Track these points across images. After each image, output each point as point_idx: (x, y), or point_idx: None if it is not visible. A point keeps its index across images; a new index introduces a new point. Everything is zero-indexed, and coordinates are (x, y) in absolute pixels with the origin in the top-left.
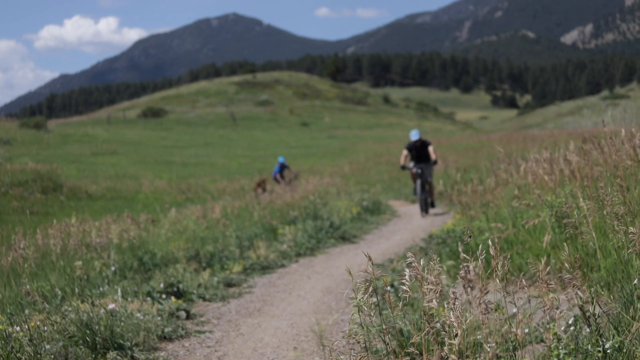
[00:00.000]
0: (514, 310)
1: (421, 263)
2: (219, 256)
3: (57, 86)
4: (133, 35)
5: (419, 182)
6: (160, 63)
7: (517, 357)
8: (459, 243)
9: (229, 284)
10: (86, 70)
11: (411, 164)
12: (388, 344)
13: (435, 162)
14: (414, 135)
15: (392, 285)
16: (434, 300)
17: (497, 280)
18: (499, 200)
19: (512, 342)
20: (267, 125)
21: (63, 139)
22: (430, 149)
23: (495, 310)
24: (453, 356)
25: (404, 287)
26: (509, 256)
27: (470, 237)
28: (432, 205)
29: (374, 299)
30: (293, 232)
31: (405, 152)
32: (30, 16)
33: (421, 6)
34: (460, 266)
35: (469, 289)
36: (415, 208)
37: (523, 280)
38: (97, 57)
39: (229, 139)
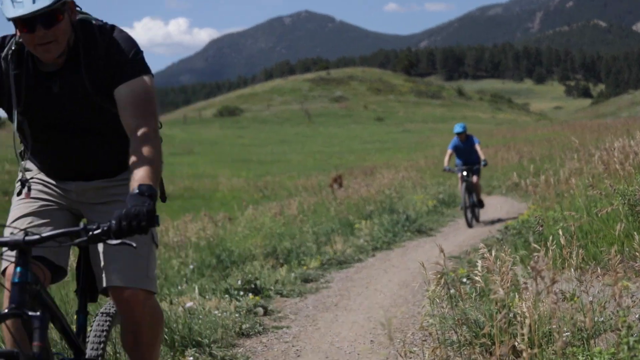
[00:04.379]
0: (590, 299)
1: (493, 254)
2: (296, 252)
3: None
4: (204, 35)
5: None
6: (235, 62)
7: (590, 346)
8: (531, 233)
9: (306, 280)
10: (161, 72)
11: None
12: (461, 335)
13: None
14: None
15: (468, 277)
16: (501, 291)
17: (572, 270)
18: (574, 189)
19: (585, 331)
20: (342, 121)
21: None
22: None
23: (571, 299)
24: (523, 346)
25: (477, 278)
26: (583, 245)
27: (541, 226)
28: (480, 204)
29: (451, 291)
30: (369, 226)
31: (449, 151)
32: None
33: None
34: (531, 256)
35: (538, 278)
36: (492, 200)
37: (598, 268)
38: (169, 59)
39: (304, 135)
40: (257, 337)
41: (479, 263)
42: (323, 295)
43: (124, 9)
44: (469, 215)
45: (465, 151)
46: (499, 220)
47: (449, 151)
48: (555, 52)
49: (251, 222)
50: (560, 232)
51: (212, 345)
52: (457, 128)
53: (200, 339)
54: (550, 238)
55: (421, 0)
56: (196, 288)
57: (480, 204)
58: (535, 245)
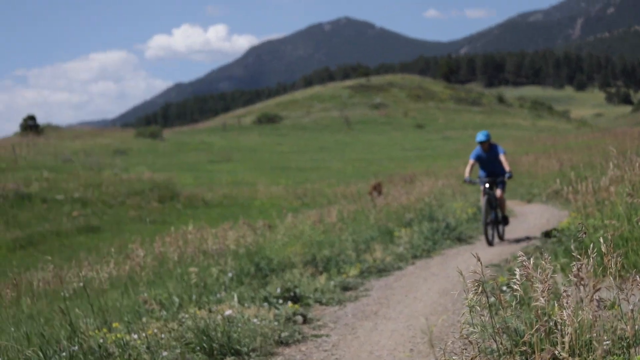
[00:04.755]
0: (631, 307)
1: (532, 262)
2: (336, 260)
3: (172, 95)
4: (243, 42)
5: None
6: (274, 69)
7: (630, 354)
8: (572, 241)
9: (345, 288)
10: (200, 79)
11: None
12: (502, 343)
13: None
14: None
15: (507, 285)
16: (542, 299)
17: (612, 278)
18: (614, 197)
19: (626, 339)
20: (382, 128)
21: (179, 147)
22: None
23: (611, 307)
24: (564, 354)
25: (515, 287)
26: (624, 253)
27: (584, 233)
28: (505, 220)
29: (491, 299)
30: (409, 234)
31: (471, 161)
32: (139, 27)
33: (532, 5)
34: (572, 264)
35: (580, 286)
36: (532, 207)
37: (638, 277)
38: (209, 66)
39: (344, 143)
40: (296, 345)
41: (518, 271)
42: (362, 303)
43: (162, 16)
44: (490, 232)
45: (489, 162)
46: (527, 239)
47: (471, 161)
48: (595, 59)
49: (290, 230)
50: (601, 240)
51: (251, 353)
52: (480, 136)
53: (239, 347)
54: (591, 246)
55: (461, 6)
56: (235, 296)
57: (505, 221)
58: (575, 254)
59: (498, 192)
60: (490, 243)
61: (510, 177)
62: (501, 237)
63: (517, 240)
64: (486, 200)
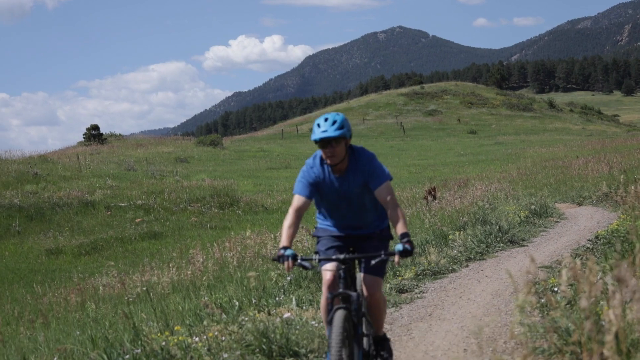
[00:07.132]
0: None
1: (579, 263)
2: (391, 263)
3: (231, 104)
4: (298, 52)
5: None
6: (330, 77)
7: None
8: (619, 242)
9: (401, 290)
10: (258, 88)
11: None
12: (551, 342)
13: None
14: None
15: (559, 286)
16: (588, 299)
17: None
18: None
19: None
20: (436, 134)
21: (238, 155)
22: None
23: None
24: (608, 352)
25: (563, 287)
26: None
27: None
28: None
29: (542, 300)
30: (463, 237)
31: (298, 200)
32: (197, 39)
33: (580, 12)
34: (615, 264)
35: (624, 287)
36: (583, 210)
37: None
38: (266, 75)
39: (399, 149)
40: None
41: (564, 273)
42: (417, 305)
43: (220, 28)
44: None
45: (347, 197)
46: None
47: (299, 200)
48: None
49: None
50: None
51: (309, 354)
52: (323, 128)
53: (297, 348)
54: (638, 246)
55: (510, 15)
56: (293, 299)
57: (384, 348)
58: (617, 254)
59: (369, 280)
60: None
61: (408, 253)
62: None
63: None
64: (343, 315)
